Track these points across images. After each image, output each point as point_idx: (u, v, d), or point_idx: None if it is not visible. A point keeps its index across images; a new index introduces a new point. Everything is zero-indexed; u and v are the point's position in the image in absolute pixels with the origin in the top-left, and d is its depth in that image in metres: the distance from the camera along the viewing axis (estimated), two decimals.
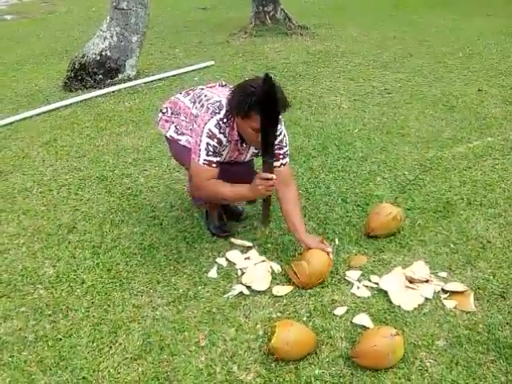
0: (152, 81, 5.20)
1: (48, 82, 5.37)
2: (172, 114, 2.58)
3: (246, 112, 2.17)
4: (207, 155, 2.30)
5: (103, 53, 5.14)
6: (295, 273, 2.28)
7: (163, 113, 2.64)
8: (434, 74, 5.27)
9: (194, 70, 5.51)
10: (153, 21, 6.23)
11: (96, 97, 4.81)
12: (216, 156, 2.32)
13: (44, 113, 4.48)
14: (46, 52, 6.58)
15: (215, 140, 2.29)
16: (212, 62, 5.71)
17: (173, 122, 2.56)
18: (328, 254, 2.34)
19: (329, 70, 5.47)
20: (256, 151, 2.49)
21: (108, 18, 5.25)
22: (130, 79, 5.18)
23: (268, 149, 2.23)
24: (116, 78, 5.15)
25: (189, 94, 2.56)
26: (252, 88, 2.18)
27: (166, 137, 2.61)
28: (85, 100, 4.74)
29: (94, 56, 5.13)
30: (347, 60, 5.80)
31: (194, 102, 2.46)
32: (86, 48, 5.23)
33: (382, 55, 5.97)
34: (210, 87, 2.55)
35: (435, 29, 7.23)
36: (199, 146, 2.30)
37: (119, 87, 4.99)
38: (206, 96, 2.44)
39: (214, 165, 2.33)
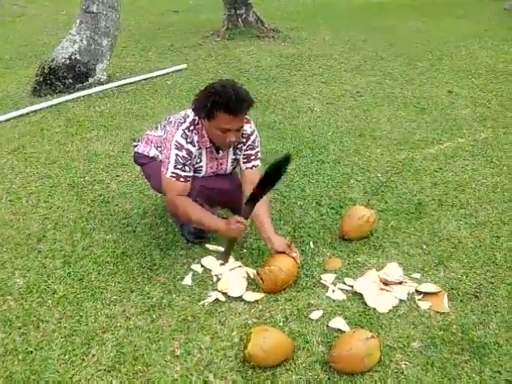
0: (123, 85, 5.13)
1: (17, 86, 5.25)
2: (144, 148, 2.60)
3: (210, 111, 2.18)
4: (175, 168, 2.29)
5: (73, 57, 5.05)
6: (261, 279, 2.27)
7: (134, 146, 2.67)
8: (404, 76, 5.35)
9: (166, 74, 5.47)
10: (124, 23, 6.17)
11: (66, 102, 4.71)
12: (184, 170, 2.30)
13: (13, 118, 4.37)
14: (14, 56, 6.43)
15: (184, 151, 2.28)
16: (184, 66, 5.68)
17: (148, 154, 2.58)
18: (294, 258, 2.33)
19: (301, 73, 5.50)
20: (234, 156, 2.47)
21: (78, 21, 5.16)
22: (100, 83, 5.10)
23: (256, 198, 2.22)
24: (86, 83, 5.07)
25: (157, 128, 2.57)
26: (214, 89, 2.18)
27: (141, 164, 2.64)
28: (54, 105, 4.64)
29: (63, 60, 5.04)
30: (319, 63, 5.84)
31: (164, 127, 2.48)
32: (55, 52, 5.13)
33: (354, 58, 6.02)
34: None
35: (405, 31, 7.34)
36: (168, 158, 2.30)
37: (89, 92, 4.91)
38: (174, 116, 2.45)
39: (181, 179, 2.31)
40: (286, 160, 2.16)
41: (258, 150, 2.48)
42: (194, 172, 2.39)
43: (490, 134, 3.93)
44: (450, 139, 3.86)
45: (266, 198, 2.48)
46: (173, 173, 2.30)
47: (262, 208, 2.42)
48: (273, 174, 2.17)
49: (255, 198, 2.24)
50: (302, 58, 6.02)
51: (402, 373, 1.89)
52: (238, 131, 2.28)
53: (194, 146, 2.31)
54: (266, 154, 3.53)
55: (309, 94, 4.86)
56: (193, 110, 2.30)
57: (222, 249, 2.58)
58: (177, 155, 2.28)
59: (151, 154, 2.53)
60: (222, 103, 2.15)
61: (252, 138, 2.44)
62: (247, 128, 2.40)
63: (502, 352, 1.97)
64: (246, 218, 2.29)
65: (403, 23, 7.84)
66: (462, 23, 7.80)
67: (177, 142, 2.28)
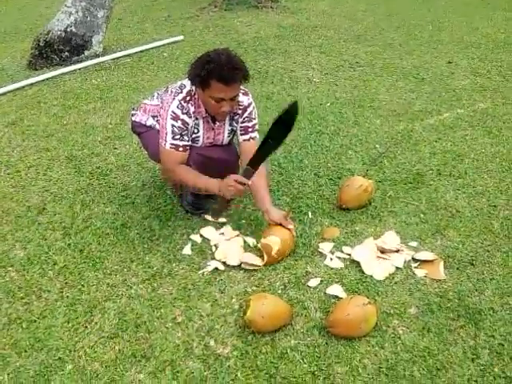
0: (120, 57, 5.07)
1: (12, 60, 5.20)
2: (142, 117, 2.58)
3: (204, 80, 2.16)
4: (173, 139, 2.29)
5: (68, 29, 4.98)
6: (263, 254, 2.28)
7: (133, 114, 2.65)
8: (404, 46, 5.29)
9: (162, 45, 5.40)
10: None
11: (62, 74, 4.67)
12: (183, 139, 2.30)
13: (9, 92, 4.34)
14: (9, 30, 6.35)
15: (179, 122, 2.27)
16: (181, 37, 5.61)
17: (145, 123, 2.56)
18: (290, 230, 2.34)
19: (300, 43, 5.44)
20: (230, 128, 2.46)
21: None
22: (96, 56, 5.05)
23: (258, 160, 2.21)
24: (82, 55, 5.01)
25: (154, 96, 2.55)
26: (208, 57, 2.17)
27: (139, 133, 2.62)
28: (51, 78, 4.60)
29: (59, 32, 4.97)
30: (318, 34, 5.77)
31: (161, 96, 2.46)
32: (50, 24, 5.06)
33: (353, 28, 5.95)
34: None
35: (406, 1, 7.23)
36: (165, 129, 2.29)
37: (86, 64, 4.86)
38: (171, 86, 2.43)
39: (180, 148, 2.31)
40: (294, 107, 2.11)
41: (255, 122, 2.46)
42: (192, 142, 2.39)
43: (489, 105, 3.91)
44: (450, 110, 3.84)
45: (265, 170, 2.48)
46: (172, 144, 2.30)
47: (260, 180, 2.41)
48: (283, 125, 2.13)
49: (259, 159, 2.20)
50: (301, 29, 5.95)
51: (399, 338, 1.93)
52: (233, 100, 2.26)
53: (190, 116, 2.30)
54: (264, 125, 3.52)
55: (308, 64, 4.81)
56: (188, 79, 2.28)
57: (221, 220, 2.60)
58: (173, 126, 2.28)
59: (148, 123, 2.53)
60: (215, 72, 2.13)
61: (249, 109, 2.42)
62: (244, 100, 2.39)
63: (497, 318, 2.01)
64: (247, 178, 2.24)
65: None
66: None
67: (173, 112, 2.28)
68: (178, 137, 2.29)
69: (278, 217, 2.35)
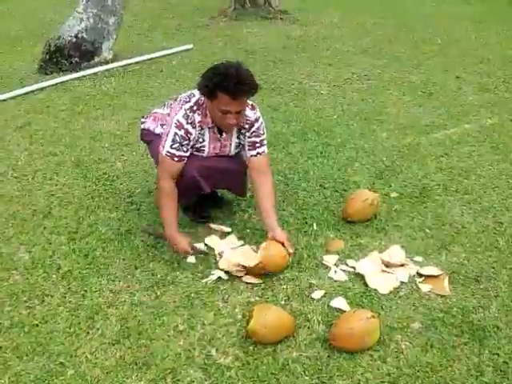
0: (129, 64, 5.11)
1: (23, 64, 5.24)
2: (150, 125, 2.60)
3: (212, 91, 2.17)
4: (171, 147, 2.30)
5: (79, 35, 5.03)
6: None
7: (142, 122, 2.67)
8: (412, 60, 5.31)
9: (172, 54, 5.44)
10: (131, 2, 6.13)
11: (72, 80, 4.71)
12: (180, 149, 2.31)
13: (18, 96, 4.38)
14: (20, 34, 6.41)
15: (182, 131, 2.28)
16: (191, 46, 5.65)
17: (154, 130, 2.58)
18: (289, 253, 2.31)
19: (308, 55, 5.46)
20: (238, 141, 2.46)
21: None
22: (106, 62, 5.09)
23: None
24: (92, 61, 5.05)
25: (164, 105, 2.57)
26: (218, 69, 2.19)
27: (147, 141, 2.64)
28: (60, 83, 4.64)
29: (69, 38, 5.02)
30: (327, 45, 5.79)
31: (171, 105, 2.48)
32: (61, 30, 5.11)
33: (362, 41, 5.98)
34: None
35: (415, 15, 7.26)
36: (167, 135, 2.31)
37: (95, 70, 4.90)
38: (181, 95, 2.45)
39: (175, 158, 2.31)
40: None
41: (263, 137, 2.45)
42: (197, 151, 2.40)
43: (496, 121, 3.90)
44: (457, 125, 3.84)
45: (272, 186, 2.45)
46: (168, 152, 2.31)
47: (267, 198, 2.41)
48: None
49: None
50: (310, 40, 5.98)
51: (402, 352, 1.91)
52: (238, 114, 2.25)
53: (194, 127, 2.31)
54: (271, 136, 3.54)
55: (315, 76, 4.83)
56: (198, 89, 2.30)
57: (226, 229, 2.60)
58: (175, 134, 2.29)
59: (157, 132, 2.54)
60: (223, 84, 2.14)
61: (256, 125, 2.41)
62: (251, 115, 2.38)
63: (501, 335, 1.99)
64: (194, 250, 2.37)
65: (413, 7, 7.75)
66: (471, 8, 7.69)
67: (178, 120, 2.29)
68: (176, 146, 2.30)
69: (282, 236, 2.33)
